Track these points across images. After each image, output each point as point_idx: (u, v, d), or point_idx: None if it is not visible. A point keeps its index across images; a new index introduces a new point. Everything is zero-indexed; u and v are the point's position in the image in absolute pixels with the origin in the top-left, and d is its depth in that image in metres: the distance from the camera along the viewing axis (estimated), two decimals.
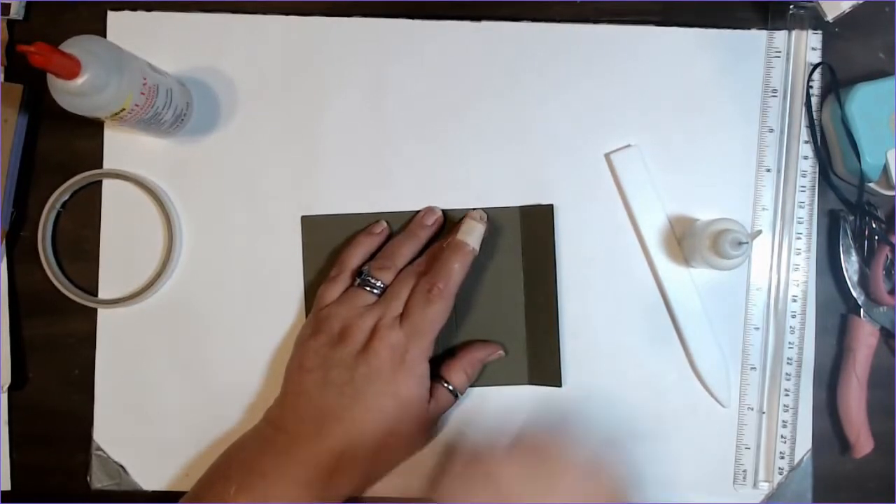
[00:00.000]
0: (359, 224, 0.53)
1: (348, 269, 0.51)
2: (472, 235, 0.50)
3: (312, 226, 0.54)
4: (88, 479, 0.54)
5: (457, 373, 0.51)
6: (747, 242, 0.47)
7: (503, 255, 0.53)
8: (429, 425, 0.50)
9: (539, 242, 0.53)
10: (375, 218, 0.53)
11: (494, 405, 0.54)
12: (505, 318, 0.53)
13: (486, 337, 0.53)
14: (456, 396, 0.51)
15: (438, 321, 0.49)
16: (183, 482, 0.53)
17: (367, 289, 0.50)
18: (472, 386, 0.53)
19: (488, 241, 0.53)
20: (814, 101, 0.53)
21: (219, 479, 0.48)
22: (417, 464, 0.52)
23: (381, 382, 0.47)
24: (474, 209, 0.52)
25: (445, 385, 0.50)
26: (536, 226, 0.53)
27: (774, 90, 0.54)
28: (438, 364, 0.51)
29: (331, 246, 0.54)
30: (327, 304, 0.50)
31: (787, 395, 0.53)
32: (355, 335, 0.48)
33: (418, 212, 0.53)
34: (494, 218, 0.53)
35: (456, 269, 0.49)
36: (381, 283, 0.50)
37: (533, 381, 0.53)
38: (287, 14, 0.54)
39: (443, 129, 0.54)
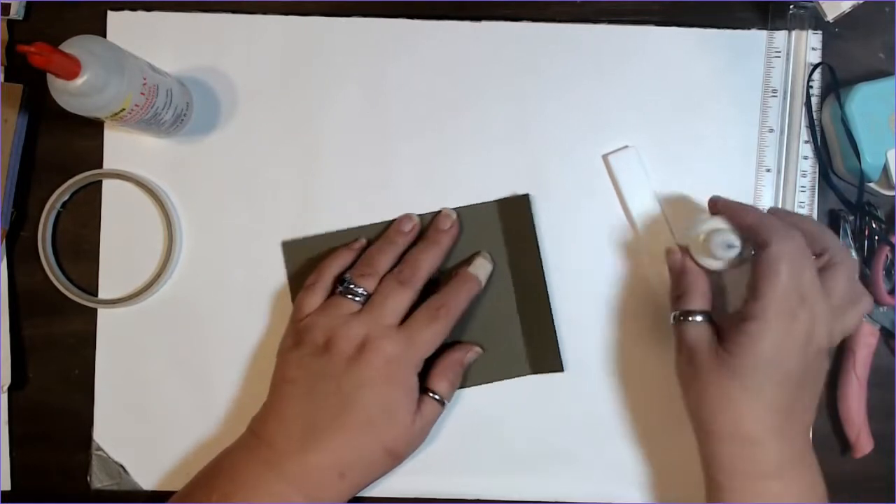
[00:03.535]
0: (340, 241, 0.53)
1: (328, 276, 0.51)
2: (481, 271, 0.52)
3: (294, 250, 0.53)
4: (88, 479, 0.54)
5: (440, 380, 0.50)
6: (737, 247, 0.47)
7: (487, 250, 0.53)
8: (414, 438, 0.49)
9: (520, 233, 0.53)
10: (357, 235, 0.53)
11: (496, 400, 0.54)
12: (498, 313, 0.53)
13: (482, 333, 0.53)
14: (443, 404, 0.51)
15: (437, 341, 0.49)
16: (183, 482, 0.53)
17: (349, 297, 0.49)
18: (474, 385, 0.53)
19: (470, 238, 0.53)
20: (814, 101, 0.53)
21: (204, 484, 0.48)
22: (418, 463, 0.52)
23: (371, 392, 0.47)
24: (446, 208, 0.53)
25: (431, 395, 0.50)
26: (515, 216, 0.53)
27: (774, 90, 0.54)
28: (420, 377, 0.51)
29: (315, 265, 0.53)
30: (307, 313, 0.49)
31: None
32: (341, 345, 0.47)
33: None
34: (472, 214, 0.53)
35: (463, 298, 0.50)
36: (364, 290, 0.49)
37: (535, 370, 0.53)
38: (287, 14, 0.54)
39: (442, 129, 0.54)
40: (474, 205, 0.53)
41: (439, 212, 0.53)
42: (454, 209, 0.53)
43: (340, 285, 0.50)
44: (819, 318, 0.44)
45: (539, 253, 0.53)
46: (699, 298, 0.47)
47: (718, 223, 0.48)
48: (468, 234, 0.53)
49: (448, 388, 0.51)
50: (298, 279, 0.53)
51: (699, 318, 0.46)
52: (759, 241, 0.44)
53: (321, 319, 0.49)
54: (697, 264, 0.48)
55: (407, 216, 0.53)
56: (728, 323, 0.45)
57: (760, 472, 0.44)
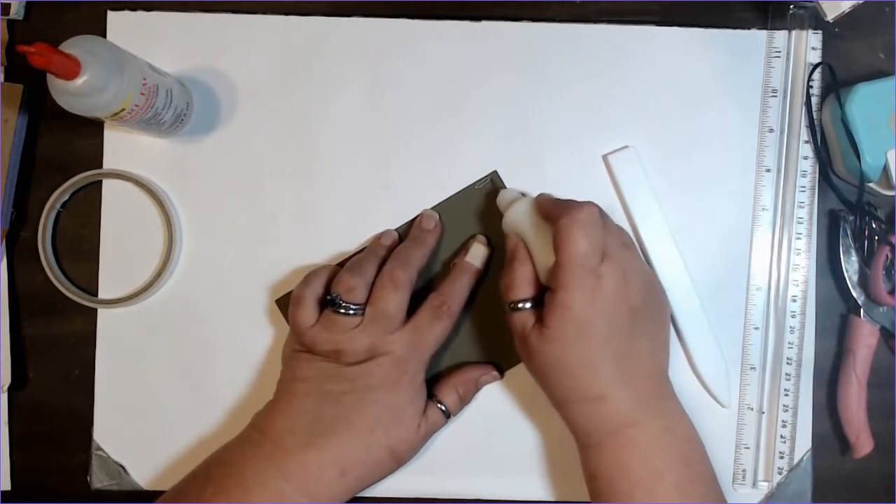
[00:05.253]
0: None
1: (316, 284, 0.50)
2: (478, 257, 0.52)
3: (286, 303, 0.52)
4: (88, 479, 0.54)
5: (449, 392, 0.51)
6: (520, 196, 0.50)
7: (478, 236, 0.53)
8: (418, 441, 0.49)
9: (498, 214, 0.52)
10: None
11: (497, 400, 0.54)
12: (490, 300, 0.53)
13: (483, 317, 0.53)
14: (448, 417, 0.51)
15: (442, 338, 0.49)
16: None
17: (343, 312, 0.48)
18: (478, 361, 0.53)
19: (457, 230, 0.53)
20: (814, 101, 0.53)
21: (202, 477, 0.48)
22: (419, 463, 0.52)
23: (381, 393, 0.47)
24: (426, 209, 0.53)
25: (438, 405, 0.50)
26: (492, 195, 0.53)
27: (774, 90, 0.54)
28: (430, 384, 0.51)
29: None
30: (308, 327, 0.48)
31: (786, 394, 0.53)
32: (349, 355, 0.47)
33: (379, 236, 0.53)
34: (451, 208, 0.53)
35: (463, 290, 0.51)
36: (356, 303, 0.48)
37: None
38: (287, 14, 0.54)
39: (442, 129, 0.54)
40: (449, 198, 0.53)
41: (420, 215, 0.53)
42: (432, 209, 0.53)
43: (330, 305, 0.48)
44: (631, 267, 0.46)
45: None
46: (525, 286, 0.47)
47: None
48: (453, 226, 0.53)
49: (456, 401, 0.51)
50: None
51: (528, 305, 0.47)
52: (552, 219, 0.46)
53: (326, 336, 0.48)
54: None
55: (387, 231, 0.53)
56: (547, 299, 0.46)
57: (614, 423, 0.45)
